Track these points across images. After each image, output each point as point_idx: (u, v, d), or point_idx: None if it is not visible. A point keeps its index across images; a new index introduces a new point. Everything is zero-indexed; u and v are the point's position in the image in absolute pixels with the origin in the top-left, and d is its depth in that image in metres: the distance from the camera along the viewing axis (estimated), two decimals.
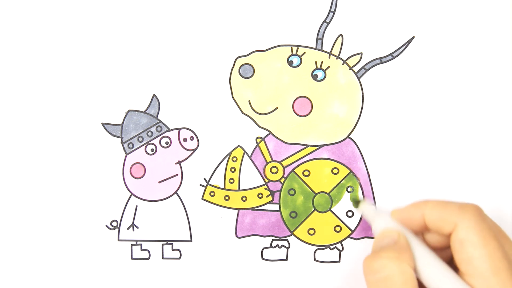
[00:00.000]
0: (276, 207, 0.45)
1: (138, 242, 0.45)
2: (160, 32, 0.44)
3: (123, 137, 0.45)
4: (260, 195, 0.45)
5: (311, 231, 0.45)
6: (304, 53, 0.44)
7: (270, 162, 0.45)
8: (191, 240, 0.45)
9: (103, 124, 0.45)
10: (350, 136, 0.44)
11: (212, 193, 0.45)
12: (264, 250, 0.45)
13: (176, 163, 0.45)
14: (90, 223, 0.45)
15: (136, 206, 0.45)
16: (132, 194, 0.45)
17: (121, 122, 0.45)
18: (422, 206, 0.37)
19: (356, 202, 0.43)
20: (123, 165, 0.45)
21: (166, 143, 0.45)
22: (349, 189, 0.44)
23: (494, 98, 0.44)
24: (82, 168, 0.45)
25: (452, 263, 0.37)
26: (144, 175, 0.45)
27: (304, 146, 0.45)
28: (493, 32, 0.44)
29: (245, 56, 0.44)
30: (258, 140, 0.45)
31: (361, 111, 0.44)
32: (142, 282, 0.45)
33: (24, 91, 0.45)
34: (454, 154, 0.44)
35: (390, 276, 0.33)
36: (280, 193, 0.45)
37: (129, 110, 0.45)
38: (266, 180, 0.45)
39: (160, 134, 0.45)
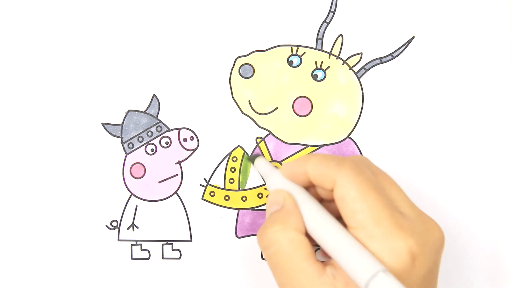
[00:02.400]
0: None
1: (138, 242, 0.45)
2: (160, 32, 0.44)
3: (123, 137, 0.45)
4: (260, 195, 0.45)
5: None
6: (304, 53, 0.44)
7: (270, 162, 0.45)
8: (191, 240, 0.45)
9: (103, 124, 0.45)
10: (350, 136, 0.44)
11: (212, 193, 0.45)
12: None
13: (176, 163, 0.45)
14: (90, 223, 0.45)
15: (136, 206, 0.45)
16: (132, 194, 0.45)
17: (121, 122, 0.45)
18: (305, 162, 0.36)
19: (251, 159, 0.41)
20: (123, 165, 0.45)
21: (166, 143, 0.45)
22: None
23: (494, 98, 0.44)
24: (82, 168, 0.45)
25: None
26: (144, 175, 0.45)
27: (304, 146, 0.45)
28: (493, 32, 0.44)
29: (245, 56, 0.44)
30: (258, 140, 0.45)
31: (361, 111, 0.44)
32: (142, 282, 0.45)
33: (24, 91, 0.45)
34: (454, 154, 0.44)
35: (280, 248, 0.34)
36: None
37: (129, 110, 0.45)
38: None
39: (160, 134, 0.45)
